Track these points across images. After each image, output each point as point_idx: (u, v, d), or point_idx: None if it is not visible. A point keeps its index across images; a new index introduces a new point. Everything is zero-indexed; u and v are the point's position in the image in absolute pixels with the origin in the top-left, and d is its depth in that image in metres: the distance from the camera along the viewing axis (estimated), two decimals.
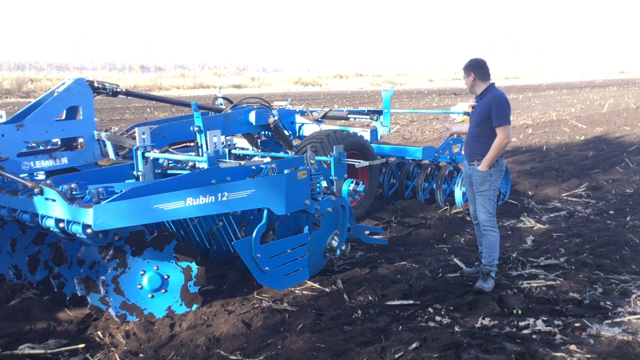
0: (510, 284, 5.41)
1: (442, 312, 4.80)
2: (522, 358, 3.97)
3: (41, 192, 4.34)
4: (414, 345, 4.09)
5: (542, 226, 7.56)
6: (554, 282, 5.42)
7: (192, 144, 6.81)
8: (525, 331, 4.47)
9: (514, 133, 17.87)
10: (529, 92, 42.99)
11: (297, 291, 5.26)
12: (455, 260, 6.07)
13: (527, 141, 15.88)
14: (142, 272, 4.61)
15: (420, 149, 8.30)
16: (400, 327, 4.49)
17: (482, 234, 5.56)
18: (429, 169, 8.41)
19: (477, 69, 5.38)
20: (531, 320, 4.62)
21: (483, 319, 4.66)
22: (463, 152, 5.87)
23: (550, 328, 4.48)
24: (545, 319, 4.65)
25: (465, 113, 8.65)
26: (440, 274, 5.66)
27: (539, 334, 4.40)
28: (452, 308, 4.88)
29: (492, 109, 5.21)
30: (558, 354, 3.97)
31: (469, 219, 7.85)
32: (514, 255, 6.20)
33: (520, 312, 4.79)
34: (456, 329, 4.46)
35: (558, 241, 6.90)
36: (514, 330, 4.50)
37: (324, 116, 9.27)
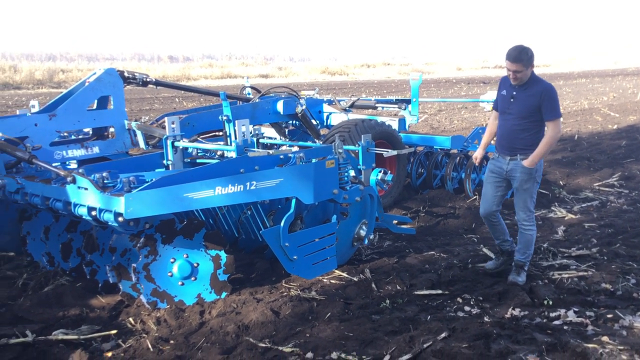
0: (541, 274, 5.35)
1: (471, 302, 4.77)
2: (553, 349, 3.92)
3: (74, 181, 4.42)
4: (443, 335, 4.07)
5: (573, 216, 7.44)
6: (585, 273, 5.33)
7: (220, 133, 6.85)
8: (556, 322, 4.41)
9: None
10: (560, 80, 42.21)
11: (325, 280, 5.27)
12: (485, 250, 6.01)
13: None
14: (172, 260, 4.67)
15: (449, 138, 8.22)
16: (429, 317, 4.47)
17: (502, 228, 5.38)
18: (458, 158, 8.32)
19: (533, 59, 4.90)
20: (562, 311, 4.56)
21: (513, 309, 4.61)
22: (493, 143, 5.48)
23: (582, 319, 4.42)
24: (576, 309, 4.59)
25: None
26: (469, 264, 5.62)
27: (570, 325, 4.34)
28: (481, 298, 4.85)
29: (545, 101, 4.84)
30: (590, 345, 3.91)
31: None
32: (545, 245, 6.12)
33: (551, 302, 4.74)
34: (485, 319, 4.43)
35: (590, 231, 6.79)
36: (544, 321, 4.45)
37: (352, 105, 9.23)
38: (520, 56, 4.78)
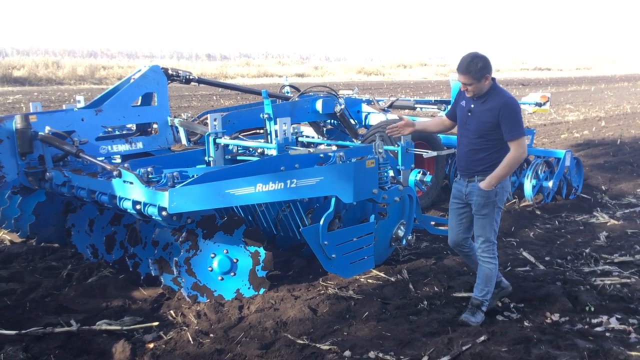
0: (583, 280, 5.26)
1: (511, 307, 4.72)
2: (595, 356, 3.86)
3: (119, 175, 4.51)
4: (482, 338, 4.05)
5: (616, 222, 7.29)
6: (628, 280, 5.23)
7: (260, 131, 6.90)
8: (598, 328, 4.34)
9: (587, 125, 17.26)
10: (601, 83, 41.29)
11: (362, 279, 5.28)
12: (525, 254, 5.94)
13: (600, 134, 15.29)
14: (212, 255, 4.74)
15: None
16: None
17: (474, 261, 4.67)
18: None
19: (490, 68, 4.22)
20: (604, 318, 4.48)
21: (553, 314, 4.55)
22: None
23: (625, 326, 4.34)
24: (619, 317, 4.51)
25: (537, 104, 8.41)
26: (508, 268, 5.55)
27: (612, 332, 4.27)
28: (521, 302, 4.79)
29: (504, 118, 4.15)
30: (633, 354, 3.84)
31: (539, 212, 7.68)
32: (587, 251, 6.02)
33: (592, 309, 4.66)
34: (525, 323, 4.38)
35: (633, 238, 6.64)
36: (586, 327, 4.38)
37: (391, 105, 9.21)
38: (469, 68, 4.15)
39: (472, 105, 4.32)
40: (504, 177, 4.30)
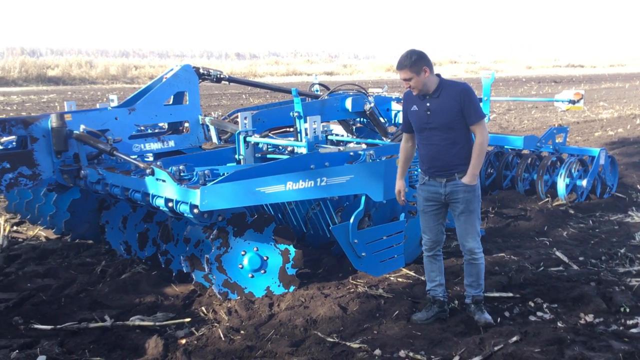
0: (618, 280, 5.15)
1: (544, 307, 4.64)
2: (630, 357, 3.78)
3: (152, 173, 4.58)
4: (514, 338, 3.99)
5: None
6: None
7: (290, 129, 6.92)
8: (634, 330, 4.24)
9: (622, 122, 16.92)
10: (636, 80, 40.43)
11: (392, 278, 5.26)
12: (558, 253, 5.84)
13: (635, 132, 14.97)
14: (243, 253, 4.77)
15: (522, 138, 8.02)
16: (499, 320, 4.40)
17: (440, 267, 4.57)
18: (530, 159, 8.11)
19: (428, 61, 4.19)
20: None
21: (587, 315, 4.47)
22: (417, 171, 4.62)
23: None
24: None
25: (571, 101, 8.26)
26: (541, 267, 5.47)
27: None
28: (554, 303, 4.72)
29: (465, 102, 4.15)
30: None
31: (572, 211, 7.55)
32: (622, 251, 5.89)
33: (628, 310, 4.56)
34: (559, 324, 4.31)
35: None
36: (621, 328, 4.29)
37: None
38: (404, 62, 4.17)
39: (429, 104, 4.27)
40: (481, 164, 4.34)
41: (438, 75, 4.30)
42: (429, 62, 4.22)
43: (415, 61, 4.15)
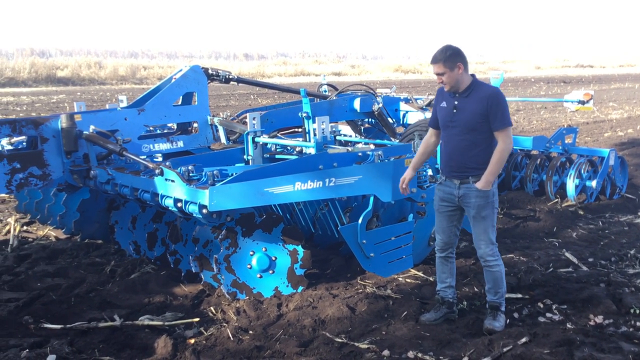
0: (627, 282, 5.12)
1: (553, 308, 4.63)
2: None
3: (161, 173, 4.60)
4: (524, 339, 3.98)
5: None
6: None
7: (299, 130, 6.93)
8: None
9: (631, 123, 16.82)
10: None
11: (400, 279, 5.25)
12: (567, 254, 5.81)
13: None
14: (251, 253, 4.78)
15: (531, 138, 7.99)
16: (508, 321, 4.38)
17: (452, 269, 4.55)
18: (539, 159, 8.08)
19: (463, 58, 4.17)
20: None
21: (597, 317, 4.45)
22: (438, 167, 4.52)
23: None
24: None
25: (580, 102, 8.22)
26: (550, 268, 5.45)
27: None
28: (564, 304, 4.70)
29: (492, 108, 4.08)
30: None
31: (582, 212, 7.52)
32: (632, 252, 5.86)
33: (638, 311, 4.53)
34: (568, 325, 4.29)
35: None
36: (631, 330, 4.26)
37: (429, 104, 9.11)
38: (439, 56, 4.13)
39: (457, 102, 4.23)
40: (498, 171, 4.25)
41: (472, 76, 4.25)
42: (465, 59, 4.18)
43: (449, 56, 4.11)
